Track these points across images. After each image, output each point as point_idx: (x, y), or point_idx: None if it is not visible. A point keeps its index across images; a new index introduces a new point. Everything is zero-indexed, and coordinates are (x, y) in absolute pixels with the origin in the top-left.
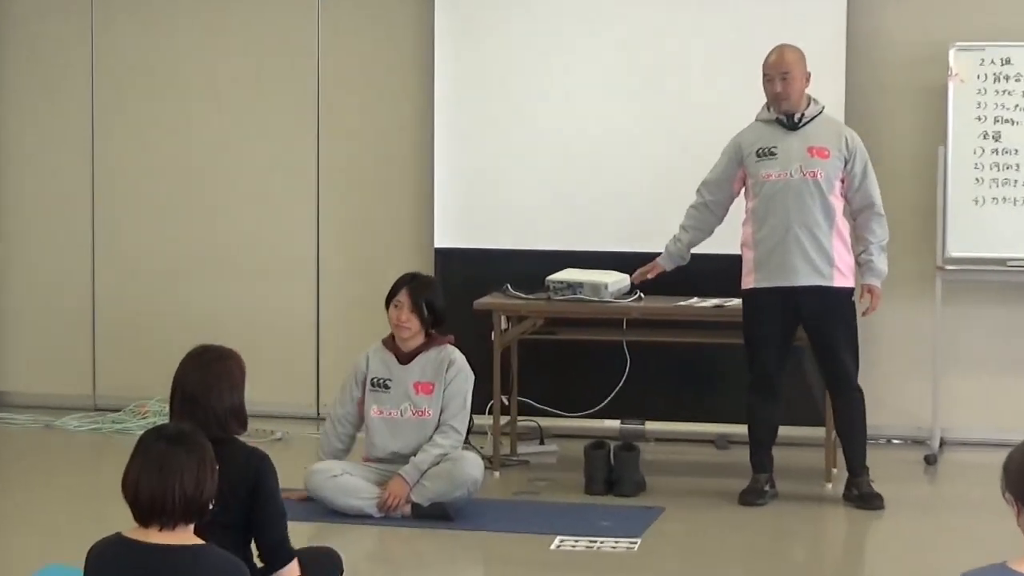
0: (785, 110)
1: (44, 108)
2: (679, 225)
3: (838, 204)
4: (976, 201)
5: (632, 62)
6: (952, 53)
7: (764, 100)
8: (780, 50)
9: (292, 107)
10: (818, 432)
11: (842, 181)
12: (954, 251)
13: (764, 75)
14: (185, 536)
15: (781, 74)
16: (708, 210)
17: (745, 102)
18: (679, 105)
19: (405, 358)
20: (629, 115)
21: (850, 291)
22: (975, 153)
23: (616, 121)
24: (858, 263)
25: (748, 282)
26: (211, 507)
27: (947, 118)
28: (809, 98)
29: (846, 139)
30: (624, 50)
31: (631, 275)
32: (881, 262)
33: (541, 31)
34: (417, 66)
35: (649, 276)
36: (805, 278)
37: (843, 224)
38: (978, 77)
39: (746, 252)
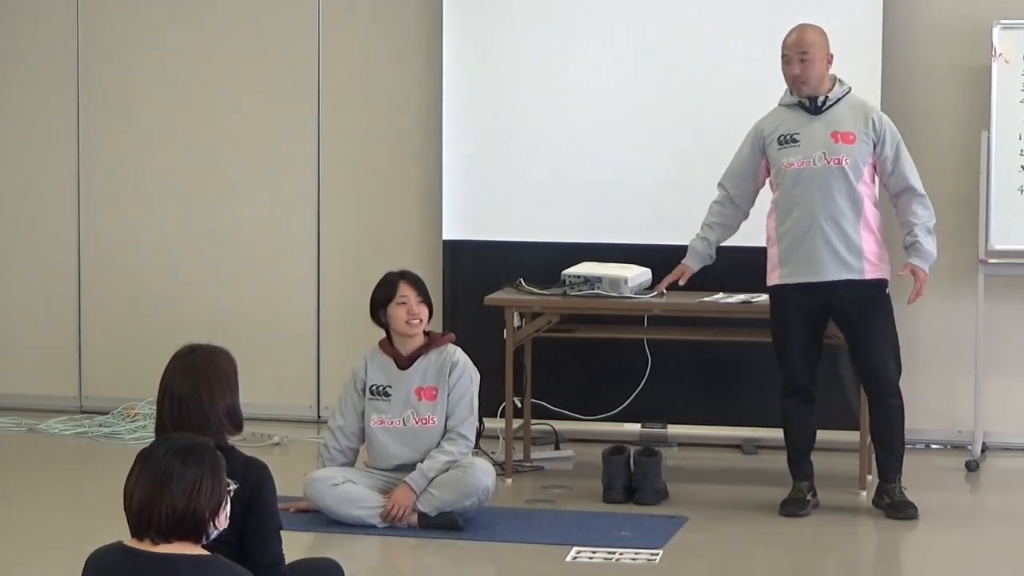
0: (806, 94)
1: (27, 102)
2: (702, 223)
3: (867, 192)
4: (1021, 190)
5: (649, 47)
6: (996, 31)
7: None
8: (799, 29)
9: (291, 94)
10: (852, 436)
11: (874, 167)
12: (998, 243)
13: (782, 56)
14: (188, 547)
15: (799, 55)
16: (733, 204)
17: (769, 87)
18: (699, 90)
19: (405, 362)
20: (647, 101)
21: (884, 283)
22: (1021, 139)
23: (634, 107)
24: (904, 248)
25: (773, 279)
26: (215, 526)
27: (991, 101)
28: (834, 79)
29: (873, 121)
30: (641, 34)
31: (656, 279)
32: (928, 243)
33: (554, 15)
34: (424, 49)
35: (680, 283)
36: (833, 273)
37: (872, 214)
38: None
39: (770, 247)
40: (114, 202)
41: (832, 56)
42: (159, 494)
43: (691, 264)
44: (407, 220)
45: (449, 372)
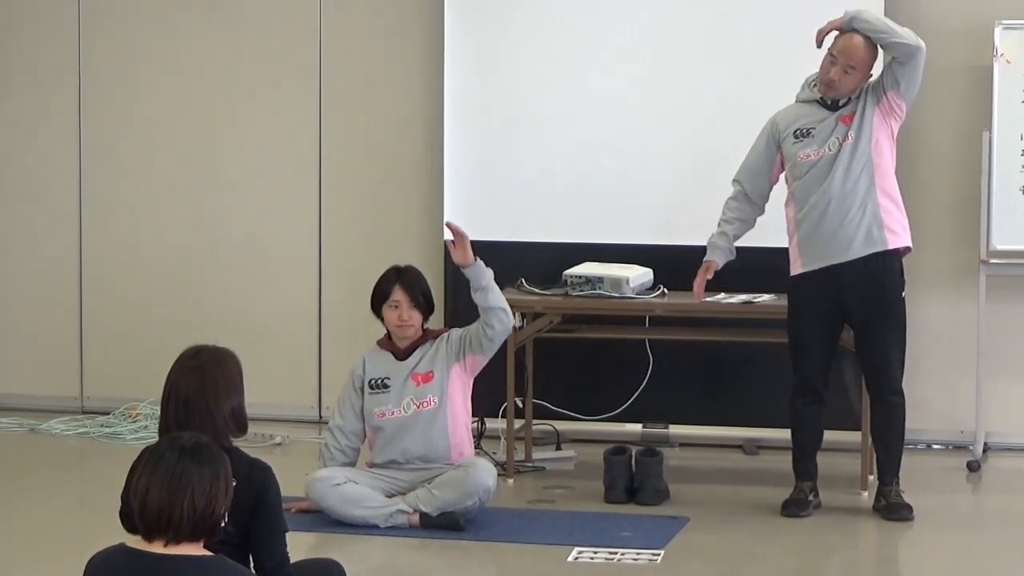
0: (830, 96)
1: (28, 100)
2: (719, 220)
3: (878, 159)
4: (1023, 190)
5: (652, 44)
6: (998, 32)
7: (797, 82)
8: (858, 41)
9: (292, 93)
10: (853, 437)
11: (892, 105)
12: (999, 243)
13: (830, 53)
14: (193, 548)
15: (846, 65)
16: (748, 200)
17: (773, 87)
18: (702, 91)
19: (403, 354)
20: (650, 101)
21: (905, 251)
22: (1022, 139)
23: (636, 107)
24: None
25: (796, 268)
26: (223, 526)
27: (992, 101)
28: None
29: (865, 87)
30: (643, 33)
31: (658, 279)
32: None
33: (555, 16)
34: (425, 47)
35: (709, 277)
36: (855, 251)
37: (888, 180)
38: None
39: (791, 238)
40: (116, 203)
41: (871, 76)
42: (179, 496)
43: (715, 258)
44: (409, 220)
45: (446, 339)
